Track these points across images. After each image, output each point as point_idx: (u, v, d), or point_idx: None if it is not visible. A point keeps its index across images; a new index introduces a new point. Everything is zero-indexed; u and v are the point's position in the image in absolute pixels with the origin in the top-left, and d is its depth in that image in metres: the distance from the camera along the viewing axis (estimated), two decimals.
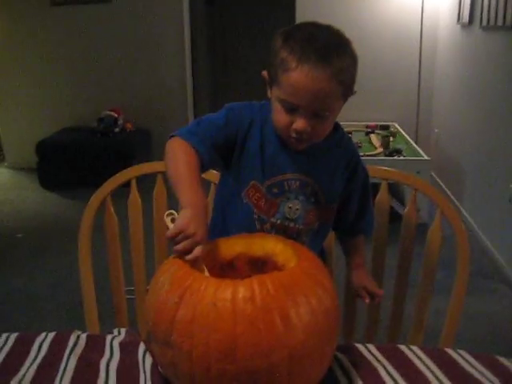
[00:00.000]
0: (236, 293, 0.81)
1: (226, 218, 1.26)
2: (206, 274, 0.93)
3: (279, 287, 0.82)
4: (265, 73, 1.16)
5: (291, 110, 1.09)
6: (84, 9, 5.02)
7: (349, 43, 1.13)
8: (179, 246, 0.93)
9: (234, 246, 1.01)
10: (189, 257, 0.92)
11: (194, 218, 0.96)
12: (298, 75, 1.05)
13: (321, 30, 1.12)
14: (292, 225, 1.21)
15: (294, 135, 1.12)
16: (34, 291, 2.93)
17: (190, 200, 1.00)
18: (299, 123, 1.09)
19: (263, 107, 1.22)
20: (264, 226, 1.20)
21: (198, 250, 0.93)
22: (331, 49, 1.07)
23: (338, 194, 1.26)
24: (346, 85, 1.09)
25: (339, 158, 1.25)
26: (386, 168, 1.49)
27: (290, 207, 1.20)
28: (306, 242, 1.24)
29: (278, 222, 1.21)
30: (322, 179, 1.22)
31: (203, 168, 1.13)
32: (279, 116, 1.12)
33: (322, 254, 1.37)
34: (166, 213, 1.00)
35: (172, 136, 1.16)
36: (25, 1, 5.05)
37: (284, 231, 1.21)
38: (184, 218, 0.95)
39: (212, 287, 0.82)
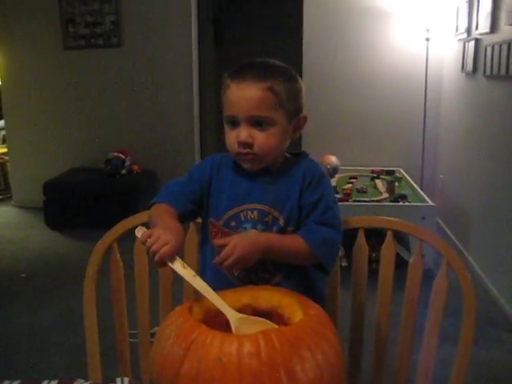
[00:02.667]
0: (241, 347, 0.80)
1: (203, 263, 1.32)
2: (185, 267, 1.03)
3: (285, 342, 0.82)
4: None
5: (234, 124, 1.19)
6: (95, 53, 5.15)
7: (290, 70, 1.24)
8: (148, 243, 1.04)
9: (240, 298, 1.01)
10: (156, 257, 1.03)
11: (163, 230, 1.08)
12: (232, 89, 1.18)
13: (261, 59, 1.24)
14: None
15: (240, 150, 1.19)
16: (37, 332, 2.91)
17: (164, 224, 1.13)
18: (240, 134, 1.17)
19: (224, 156, 1.30)
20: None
21: (166, 249, 1.03)
22: (265, 67, 1.20)
23: (295, 217, 1.24)
24: (279, 96, 1.17)
25: (295, 182, 1.25)
26: (391, 219, 1.49)
27: None
28: (277, 276, 1.23)
29: None
30: (280, 206, 1.23)
31: (182, 219, 1.23)
32: (227, 136, 1.22)
33: (320, 297, 1.34)
34: (137, 228, 1.11)
35: (150, 206, 1.29)
36: (38, 44, 5.18)
37: None
38: (154, 230, 1.08)
39: (217, 341, 0.82)
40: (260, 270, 1.21)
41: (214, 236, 1.25)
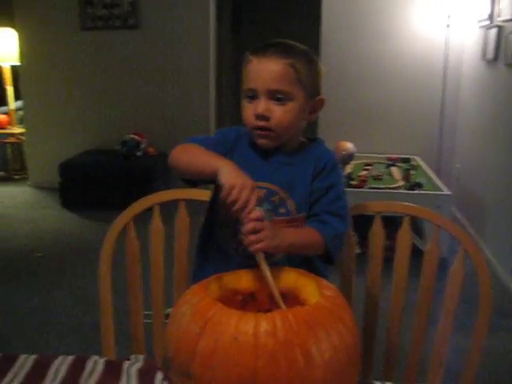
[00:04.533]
0: (258, 326, 0.80)
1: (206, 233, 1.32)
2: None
3: (301, 323, 0.82)
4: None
5: (252, 98, 1.19)
6: (112, 34, 5.14)
7: (310, 53, 1.25)
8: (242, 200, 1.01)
9: (256, 278, 1.00)
10: (251, 205, 1.03)
11: (235, 170, 1.06)
12: (253, 63, 1.19)
13: (284, 40, 1.24)
14: None
15: (256, 123, 1.18)
16: (52, 310, 2.94)
17: (221, 160, 1.11)
18: (258, 106, 1.17)
19: (245, 132, 1.29)
20: (226, 231, 1.24)
21: (255, 195, 1.03)
22: (286, 45, 1.21)
23: (306, 203, 1.24)
24: (300, 73, 1.17)
25: (307, 167, 1.25)
26: (408, 204, 1.47)
27: None
28: (276, 256, 1.20)
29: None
30: (291, 188, 1.22)
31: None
32: (245, 111, 1.22)
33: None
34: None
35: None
36: (56, 25, 5.19)
37: None
38: (227, 174, 1.05)
39: (234, 320, 0.82)
40: None
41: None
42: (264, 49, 1.19)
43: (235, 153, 1.27)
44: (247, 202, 1.01)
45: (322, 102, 1.26)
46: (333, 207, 1.22)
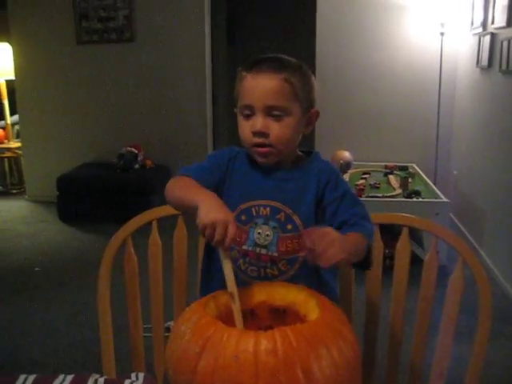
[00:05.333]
0: (258, 345, 0.80)
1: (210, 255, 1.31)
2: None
3: (301, 340, 0.82)
4: (235, 109, 1.24)
5: (249, 115, 1.18)
6: (108, 47, 5.15)
7: (302, 65, 1.24)
8: (216, 239, 1.01)
9: (255, 295, 1.00)
10: (227, 242, 1.01)
11: (212, 206, 1.05)
12: (248, 80, 1.18)
13: (276, 54, 1.24)
14: (264, 251, 1.21)
15: (255, 140, 1.18)
16: (50, 325, 2.93)
17: (202, 195, 1.10)
18: (256, 123, 1.17)
19: (240, 150, 1.30)
20: (230, 253, 1.20)
21: (231, 231, 1.01)
22: (279, 61, 1.20)
23: (313, 218, 1.23)
24: (295, 87, 1.17)
25: (309, 181, 1.24)
26: (406, 215, 1.47)
27: (259, 233, 1.21)
28: (288, 272, 1.21)
29: (250, 248, 1.21)
30: (295, 204, 1.22)
31: None
32: (242, 128, 1.21)
33: (332, 295, 1.34)
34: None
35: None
36: (51, 39, 5.20)
37: (257, 258, 1.21)
38: (202, 212, 1.04)
39: (234, 338, 0.82)
40: (270, 265, 1.21)
41: None
42: (257, 65, 1.19)
43: (233, 173, 1.27)
44: (222, 239, 1.01)
45: (317, 114, 1.27)
46: (356, 210, 1.21)
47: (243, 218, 1.22)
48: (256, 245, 1.21)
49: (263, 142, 1.18)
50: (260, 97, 1.16)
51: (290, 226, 1.21)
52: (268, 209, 1.21)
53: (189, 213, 1.13)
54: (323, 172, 1.25)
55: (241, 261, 1.23)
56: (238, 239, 1.21)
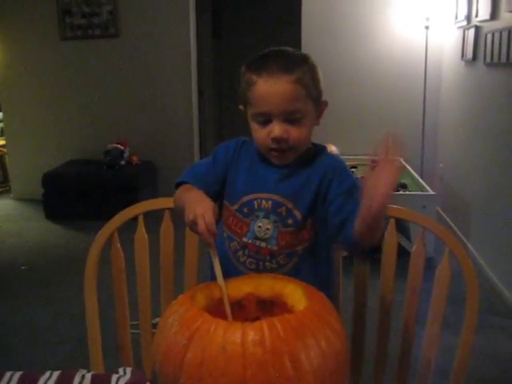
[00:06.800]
0: (246, 336, 0.80)
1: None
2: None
3: (289, 330, 0.81)
4: (241, 106, 1.23)
5: (265, 122, 1.16)
6: (92, 44, 5.12)
7: (308, 57, 1.22)
8: (198, 231, 1.04)
9: (242, 286, 1.00)
10: (205, 234, 1.03)
11: (192, 202, 1.09)
12: (260, 85, 1.14)
13: (279, 50, 1.21)
14: (264, 245, 1.21)
15: (274, 146, 1.17)
16: (37, 323, 2.91)
17: (187, 196, 1.15)
18: (275, 130, 1.15)
19: (246, 141, 1.29)
20: (231, 244, 1.24)
21: (207, 220, 1.03)
22: (287, 59, 1.17)
23: (312, 210, 1.22)
24: (308, 86, 1.16)
25: (313, 177, 1.24)
26: (393, 206, 1.47)
27: (259, 226, 1.21)
28: (286, 266, 1.21)
29: (250, 241, 1.21)
30: (296, 198, 1.21)
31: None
32: (257, 133, 1.19)
33: (331, 291, 1.34)
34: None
35: (176, 185, 1.30)
36: (35, 35, 5.15)
37: (256, 251, 1.21)
38: (187, 210, 1.08)
39: (221, 329, 0.81)
40: (269, 259, 1.21)
41: (226, 219, 1.26)
42: (265, 66, 1.15)
43: (238, 164, 1.27)
44: (202, 232, 1.04)
45: (325, 104, 1.26)
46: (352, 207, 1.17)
47: (245, 210, 1.22)
48: (256, 238, 1.21)
49: (282, 147, 1.17)
50: (276, 104, 1.14)
51: (290, 221, 1.21)
52: (270, 202, 1.21)
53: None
54: (328, 167, 1.24)
55: (240, 252, 1.23)
56: (238, 231, 1.22)
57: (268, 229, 1.20)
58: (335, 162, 1.28)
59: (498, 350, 2.61)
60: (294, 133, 1.16)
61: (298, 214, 1.21)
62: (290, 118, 1.15)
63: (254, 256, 1.21)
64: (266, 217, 1.20)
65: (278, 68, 1.14)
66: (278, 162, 1.22)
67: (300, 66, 1.16)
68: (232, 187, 1.26)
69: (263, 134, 1.17)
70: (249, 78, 1.17)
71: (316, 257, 1.26)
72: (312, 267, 1.25)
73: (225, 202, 1.27)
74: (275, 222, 1.20)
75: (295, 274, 1.17)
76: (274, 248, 1.20)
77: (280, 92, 1.12)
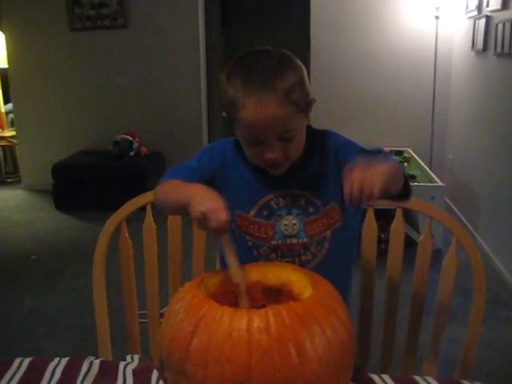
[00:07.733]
0: (251, 323, 0.80)
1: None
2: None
3: (295, 318, 0.82)
4: (224, 114, 1.17)
5: (256, 143, 1.12)
6: (101, 34, 5.12)
7: (291, 60, 1.13)
8: (211, 226, 0.96)
9: (249, 275, 1.00)
10: (221, 229, 0.97)
11: (203, 197, 1.00)
12: (248, 112, 1.07)
13: (259, 59, 1.11)
14: (295, 241, 1.20)
15: (269, 163, 1.14)
16: (47, 313, 2.93)
17: (193, 189, 1.06)
18: (269, 153, 1.11)
19: (234, 142, 1.24)
20: (260, 250, 1.21)
21: (221, 217, 0.95)
22: (272, 74, 1.07)
23: (330, 193, 1.21)
24: (297, 102, 1.09)
25: (320, 160, 1.22)
26: None
27: (285, 224, 1.20)
28: (320, 253, 1.21)
29: (280, 242, 1.20)
30: (312, 186, 1.20)
31: None
32: (249, 151, 1.16)
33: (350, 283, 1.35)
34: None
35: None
36: (43, 26, 5.16)
37: (290, 249, 1.20)
38: (195, 203, 0.99)
39: (227, 316, 0.82)
40: (303, 252, 1.21)
41: (246, 228, 1.22)
42: (249, 84, 1.07)
43: (229, 172, 1.23)
44: (216, 227, 0.96)
45: (313, 101, 1.19)
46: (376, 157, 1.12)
47: (265, 213, 1.20)
48: (285, 236, 1.20)
49: (278, 162, 1.14)
50: (268, 129, 1.08)
51: (311, 209, 1.20)
52: (287, 198, 1.20)
53: (186, 212, 1.06)
54: (334, 148, 1.23)
55: (273, 255, 1.21)
56: (264, 235, 1.20)
57: (294, 224, 1.19)
58: (338, 140, 1.26)
59: (505, 341, 2.60)
60: (289, 149, 1.12)
61: (317, 201, 1.20)
62: (283, 137, 1.10)
63: (288, 254, 1.20)
64: (289, 213, 1.20)
65: (264, 87, 1.05)
66: (276, 173, 1.18)
67: (287, 75, 1.08)
68: (238, 194, 1.22)
69: (256, 153, 1.14)
70: (233, 97, 1.09)
71: (345, 237, 1.26)
72: (342, 248, 1.25)
73: (238, 212, 1.22)
74: (298, 214, 1.20)
75: (328, 258, 1.20)
76: (305, 240, 1.20)
77: (270, 117, 1.06)
